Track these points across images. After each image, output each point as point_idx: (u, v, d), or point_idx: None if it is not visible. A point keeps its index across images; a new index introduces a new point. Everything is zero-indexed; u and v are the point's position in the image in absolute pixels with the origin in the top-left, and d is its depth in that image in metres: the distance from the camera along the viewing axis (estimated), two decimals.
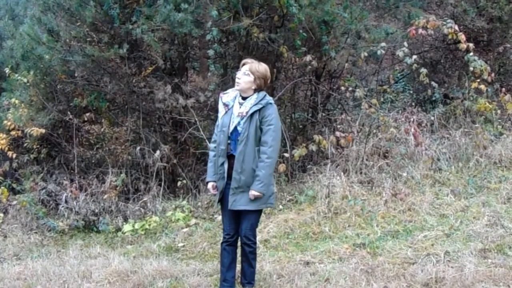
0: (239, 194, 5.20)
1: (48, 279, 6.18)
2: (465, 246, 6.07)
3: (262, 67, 5.28)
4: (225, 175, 5.26)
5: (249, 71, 5.19)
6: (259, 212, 5.40)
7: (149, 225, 7.88)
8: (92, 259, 6.93)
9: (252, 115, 5.17)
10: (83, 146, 9.69)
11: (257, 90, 5.25)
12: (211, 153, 5.44)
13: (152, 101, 8.87)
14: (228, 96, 5.34)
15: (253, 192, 5.15)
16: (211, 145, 5.50)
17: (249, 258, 5.41)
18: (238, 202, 5.21)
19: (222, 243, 5.44)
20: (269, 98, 5.29)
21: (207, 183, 5.52)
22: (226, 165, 5.25)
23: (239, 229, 5.35)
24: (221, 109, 5.33)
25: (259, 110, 5.18)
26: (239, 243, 5.42)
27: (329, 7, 8.46)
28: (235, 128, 5.22)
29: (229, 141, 5.25)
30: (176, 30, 8.14)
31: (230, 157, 5.24)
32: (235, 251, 5.45)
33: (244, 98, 5.26)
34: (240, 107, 5.23)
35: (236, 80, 5.25)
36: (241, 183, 5.17)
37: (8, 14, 13.53)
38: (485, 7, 10.26)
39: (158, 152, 8.61)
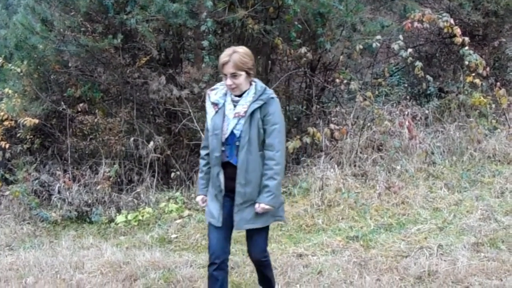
0: (246, 210, 4.44)
1: (40, 270, 6.18)
2: (458, 240, 6.07)
3: (246, 55, 4.41)
4: (223, 187, 4.47)
5: (236, 70, 4.33)
6: (268, 228, 4.67)
7: (142, 216, 7.87)
8: (84, 250, 6.93)
9: (252, 114, 4.37)
10: (76, 136, 9.65)
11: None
12: (202, 162, 4.66)
13: (146, 92, 8.84)
14: (217, 94, 4.52)
15: (262, 206, 4.39)
16: (202, 152, 4.66)
17: (268, 276, 4.86)
18: (244, 221, 4.46)
19: (208, 266, 4.57)
20: (270, 92, 4.49)
21: (197, 196, 4.77)
22: (222, 176, 4.45)
23: (249, 252, 4.68)
24: (210, 109, 4.51)
25: (260, 107, 4.39)
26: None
27: None
28: (231, 131, 4.42)
29: (223, 148, 4.44)
30: (171, 20, 8.11)
31: (226, 165, 4.45)
32: (225, 277, 4.60)
33: (239, 95, 4.45)
34: (235, 106, 4.42)
35: (229, 87, 4.41)
36: (246, 197, 4.41)
37: (1, 3, 13.47)
38: (481, 1, 10.25)
39: (151, 143, 8.58)
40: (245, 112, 4.37)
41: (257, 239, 4.59)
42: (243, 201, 4.41)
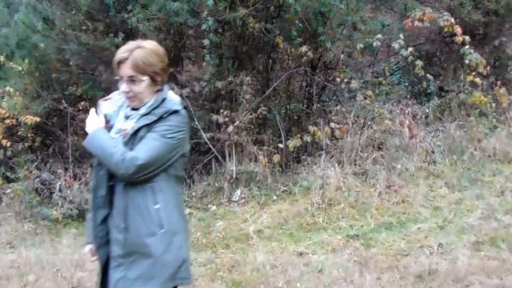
0: (129, 266, 3.07)
1: (41, 268, 6.19)
2: (458, 239, 6.08)
3: (154, 53, 3.13)
4: (110, 236, 3.18)
5: (136, 72, 3.07)
6: None
7: None
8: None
9: (137, 133, 3.08)
10: (77, 135, 9.63)
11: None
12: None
13: None
14: (111, 105, 3.28)
15: None
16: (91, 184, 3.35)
17: None
18: (126, 281, 3.07)
19: None
20: (173, 103, 3.19)
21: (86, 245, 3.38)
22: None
23: None
24: None
25: (151, 125, 3.08)
26: None
27: None
28: None
29: (111, 182, 3.15)
30: (172, 19, 8.11)
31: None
32: None
33: (135, 108, 3.17)
34: (125, 121, 3.17)
35: (125, 95, 3.16)
36: (127, 247, 3.07)
37: (3, 2, 13.47)
38: (481, 0, 10.24)
39: None
40: (132, 128, 3.10)
41: None
42: (123, 253, 3.08)
